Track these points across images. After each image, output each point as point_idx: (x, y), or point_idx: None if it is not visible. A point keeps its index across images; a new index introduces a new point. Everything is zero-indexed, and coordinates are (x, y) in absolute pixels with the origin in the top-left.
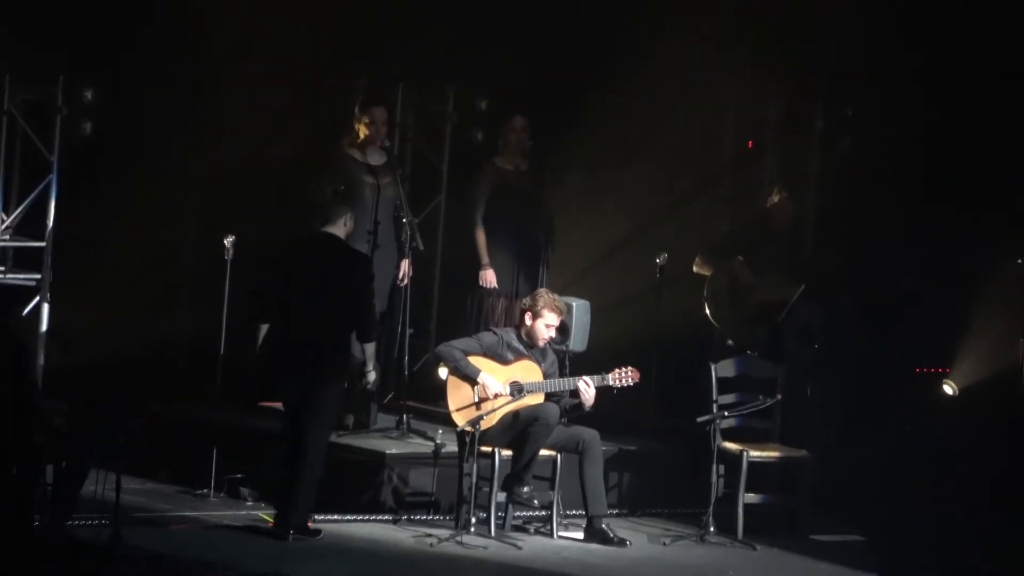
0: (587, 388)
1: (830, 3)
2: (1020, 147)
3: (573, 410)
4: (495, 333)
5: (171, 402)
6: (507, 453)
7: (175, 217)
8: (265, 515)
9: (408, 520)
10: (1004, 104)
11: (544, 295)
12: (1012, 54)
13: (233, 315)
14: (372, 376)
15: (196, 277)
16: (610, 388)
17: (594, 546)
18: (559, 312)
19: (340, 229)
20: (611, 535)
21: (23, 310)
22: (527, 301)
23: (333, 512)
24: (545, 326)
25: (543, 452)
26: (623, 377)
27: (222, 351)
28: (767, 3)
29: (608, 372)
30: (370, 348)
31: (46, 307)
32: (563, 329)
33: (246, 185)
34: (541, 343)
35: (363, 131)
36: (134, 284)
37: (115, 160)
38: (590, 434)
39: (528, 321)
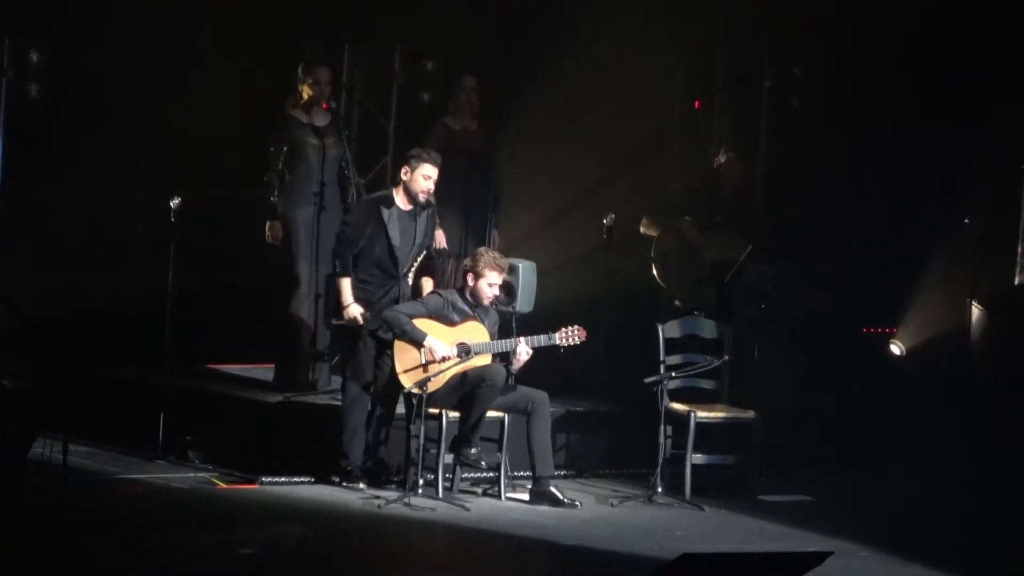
0: (520, 353)
1: None
2: (970, 106)
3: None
4: (440, 295)
5: (120, 364)
6: (454, 415)
7: (124, 178)
8: (214, 478)
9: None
10: (953, 61)
11: (484, 254)
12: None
13: (179, 277)
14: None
15: (145, 239)
16: (557, 347)
17: (543, 507)
18: (500, 270)
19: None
20: (561, 496)
21: None
22: (468, 262)
23: (281, 474)
24: (488, 285)
25: (491, 413)
26: (570, 336)
27: (169, 312)
28: None
29: (555, 331)
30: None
31: None
32: (509, 290)
33: (194, 146)
34: (487, 302)
35: (307, 92)
36: (83, 246)
37: (62, 121)
38: (540, 396)
39: (471, 282)
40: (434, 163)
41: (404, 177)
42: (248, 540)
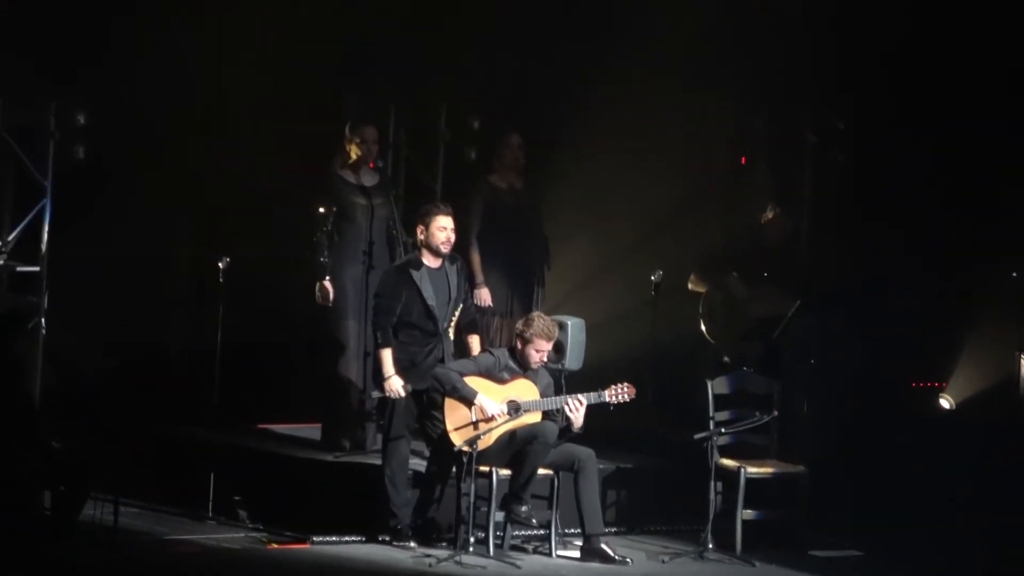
0: (576, 410)
1: (820, 18)
2: (1016, 160)
3: (563, 432)
4: (492, 354)
5: (168, 423)
6: (505, 472)
7: (169, 237)
8: (265, 538)
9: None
10: (1000, 115)
11: (536, 321)
12: (1007, 63)
13: (227, 335)
14: (373, 393)
15: (190, 297)
16: (606, 404)
17: (593, 565)
18: (548, 339)
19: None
20: (611, 553)
21: (20, 333)
22: (520, 326)
23: (331, 534)
24: (535, 351)
25: (541, 471)
26: (619, 393)
27: (218, 372)
28: (758, 18)
29: (604, 388)
30: (379, 361)
31: (43, 330)
32: (558, 348)
33: (239, 205)
34: (534, 367)
35: (355, 151)
36: (130, 304)
37: (108, 180)
38: (585, 453)
39: (519, 345)
40: (445, 212)
41: (421, 237)
42: None
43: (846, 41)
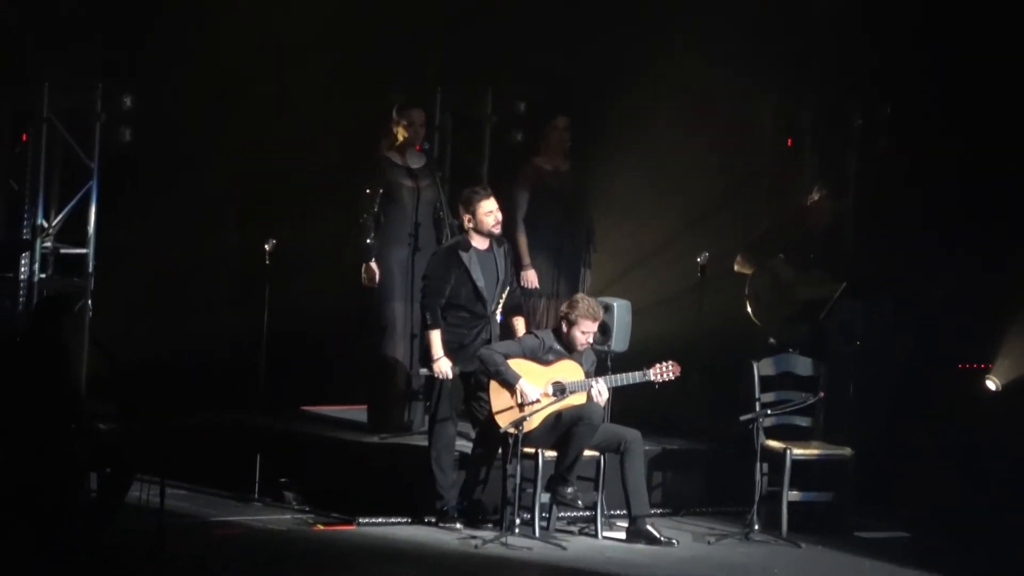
0: (600, 394)
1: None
2: None
3: None
4: (536, 336)
5: (214, 407)
6: (551, 454)
7: (215, 221)
8: (311, 519)
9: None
10: None
11: (580, 302)
12: None
13: (272, 319)
14: (421, 371)
15: (237, 281)
16: (651, 383)
17: (639, 546)
18: (594, 319)
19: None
20: (657, 535)
21: (66, 316)
22: (564, 308)
23: (377, 515)
24: (581, 332)
25: (587, 452)
26: (664, 371)
27: (264, 355)
28: (805, 1)
29: (649, 367)
30: (427, 343)
31: (89, 313)
32: (604, 329)
33: (285, 189)
34: (580, 348)
35: (401, 133)
36: (175, 288)
37: (154, 164)
38: (632, 434)
39: (565, 328)
40: (487, 196)
41: (469, 225)
42: None
43: (890, 25)
